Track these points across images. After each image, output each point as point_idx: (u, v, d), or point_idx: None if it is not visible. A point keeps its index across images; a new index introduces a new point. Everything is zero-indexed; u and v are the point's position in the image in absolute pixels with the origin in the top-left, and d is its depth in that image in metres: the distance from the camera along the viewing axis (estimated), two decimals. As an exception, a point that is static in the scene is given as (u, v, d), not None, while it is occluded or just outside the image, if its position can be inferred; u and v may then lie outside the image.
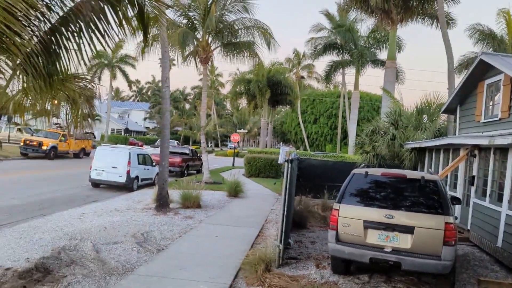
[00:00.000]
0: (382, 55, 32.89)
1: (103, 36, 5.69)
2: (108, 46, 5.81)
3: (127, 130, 76.47)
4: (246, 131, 52.20)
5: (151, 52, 21.05)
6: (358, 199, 6.93)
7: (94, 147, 38.72)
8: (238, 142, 38.28)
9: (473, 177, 10.99)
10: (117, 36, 5.90)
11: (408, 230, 6.38)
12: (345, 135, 46.88)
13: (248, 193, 17.28)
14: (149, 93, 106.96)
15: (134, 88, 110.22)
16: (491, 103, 11.88)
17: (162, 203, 12.61)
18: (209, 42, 21.05)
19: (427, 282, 7.41)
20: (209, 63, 21.84)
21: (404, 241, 6.41)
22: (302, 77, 49.19)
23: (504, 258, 8.83)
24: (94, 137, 36.88)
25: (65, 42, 5.66)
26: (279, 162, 14.63)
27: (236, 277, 7.14)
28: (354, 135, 33.86)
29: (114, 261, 7.51)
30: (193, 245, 9.00)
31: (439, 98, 17.47)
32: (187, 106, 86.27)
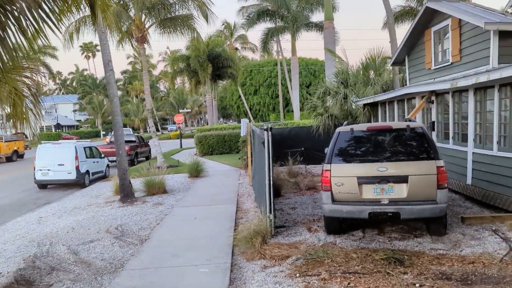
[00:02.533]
0: (315, 17, 33.04)
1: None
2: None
3: (58, 126, 72.01)
4: (189, 110, 51.03)
5: (75, 38, 19.52)
6: (348, 157, 6.82)
7: (27, 147, 36.02)
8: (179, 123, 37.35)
9: (433, 122, 11.36)
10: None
11: (402, 179, 6.38)
12: (287, 103, 47.30)
13: (209, 172, 16.86)
14: (74, 84, 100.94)
15: (57, 80, 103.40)
16: (440, 49, 12.22)
17: (127, 194, 11.91)
18: (143, 20, 19.87)
19: (417, 228, 7.57)
20: (146, 42, 20.69)
21: (400, 191, 6.43)
22: (237, 49, 48.50)
23: (475, 194, 9.25)
24: (26, 137, 34.19)
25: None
26: (241, 135, 14.36)
27: (234, 254, 6.86)
28: (298, 101, 34.20)
29: (99, 260, 6.93)
30: (175, 230, 8.55)
31: (382, 52, 17.83)
32: (119, 92, 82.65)
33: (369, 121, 16.39)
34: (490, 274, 5.35)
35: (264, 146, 7.71)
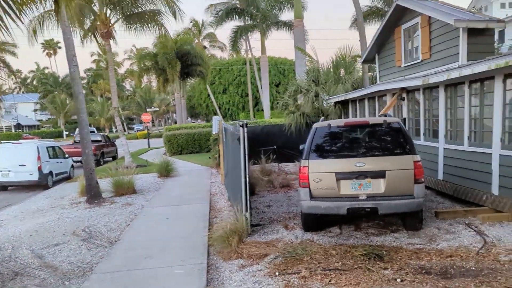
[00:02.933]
0: (284, 16, 33.07)
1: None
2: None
3: (18, 126, 69.27)
4: (157, 109, 50.03)
5: (38, 33, 18.69)
6: (326, 152, 6.73)
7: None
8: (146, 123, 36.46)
9: (404, 119, 11.48)
10: None
11: (380, 174, 6.35)
12: (256, 102, 47.22)
13: (180, 171, 16.51)
14: (34, 82, 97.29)
15: (16, 79, 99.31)
16: (410, 47, 12.39)
17: (94, 194, 11.44)
18: (108, 15, 19.24)
19: (393, 223, 7.58)
20: (112, 38, 20.04)
21: (377, 186, 6.39)
22: (205, 47, 47.94)
23: (446, 189, 9.39)
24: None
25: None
26: (213, 132, 14.11)
27: (209, 254, 6.64)
28: (268, 100, 34.15)
29: (66, 264, 6.55)
30: (146, 231, 8.23)
31: (352, 51, 17.99)
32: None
33: (340, 119, 16.48)
34: (468, 267, 5.37)
35: (239, 142, 7.53)
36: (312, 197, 6.60)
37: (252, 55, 38.55)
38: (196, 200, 11.04)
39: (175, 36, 33.00)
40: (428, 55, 11.24)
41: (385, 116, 7.26)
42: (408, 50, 12.47)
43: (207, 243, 7.11)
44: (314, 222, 7.18)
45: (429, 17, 11.02)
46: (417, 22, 11.66)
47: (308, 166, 6.60)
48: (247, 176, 7.47)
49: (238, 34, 33.75)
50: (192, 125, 27.46)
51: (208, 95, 48.34)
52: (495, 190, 7.70)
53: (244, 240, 6.98)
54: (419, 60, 11.70)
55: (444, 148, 9.46)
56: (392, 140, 6.57)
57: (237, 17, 33.88)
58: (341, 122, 7.11)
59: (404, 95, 11.37)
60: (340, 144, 6.83)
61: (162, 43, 25.15)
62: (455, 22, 9.35)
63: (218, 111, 47.23)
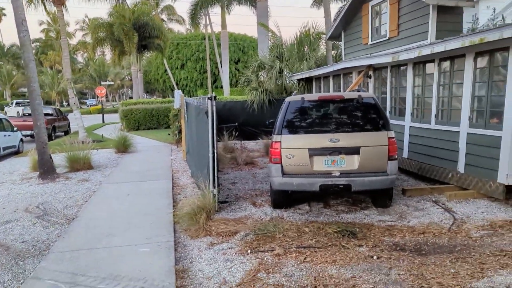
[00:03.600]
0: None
1: None
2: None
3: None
4: (112, 82, 47.93)
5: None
6: (299, 128, 6.48)
7: None
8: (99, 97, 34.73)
9: (370, 97, 11.44)
10: None
11: (354, 151, 6.20)
12: (215, 79, 46.37)
13: (138, 147, 15.85)
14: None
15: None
16: (377, 24, 12.31)
17: (47, 169, 10.69)
18: (59, -22, 17.88)
19: (362, 200, 7.53)
20: (63, 5, 18.71)
21: (351, 163, 6.25)
22: (163, 20, 46.24)
23: (411, 167, 9.49)
24: None
25: None
26: (175, 107, 13.55)
27: (176, 232, 6.30)
28: (227, 76, 33.54)
29: (19, 242, 6.00)
30: (106, 208, 7.74)
31: (316, 28, 17.76)
32: (31, 63, 75.53)
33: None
34: (442, 243, 5.36)
35: (207, 116, 7.14)
36: (284, 173, 6.37)
37: (212, 30, 37.58)
38: (157, 176, 10.59)
39: (132, 6, 31.41)
40: (396, 33, 11.20)
41: (358, 91, 7.09)
42: (375, 28, 12.39)
43: (173, 220, 6.76)
44: (284, 199, 6.98)
45: (398, -6, 10.93)
46: (386, -1, 11.55)
47: (280, 142, 6.34)
48: (216, 151, 7.13)
49: (198, 7, 32.61)
50: (150, 100, 26.53)
51: (165, 71, 46.89)
52: (461, 168, 7.80)
53: (212, 217, 6.69)
54: (387, 38, 11.65)
55: (410, 127, 9.50)
56: (367, 116, 6.42)
57: (197, -11, 32.74)
58: (314, 96, 6.86)
59: (371, 72, 11.31)
60: (313, 119, 6.60)
61: (119, 13, 23.83)
62: (426, -1, 9.28)
63: (175, 87, 46.00)
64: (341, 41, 14.87)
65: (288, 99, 6.78)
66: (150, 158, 13.70)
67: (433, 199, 7.45)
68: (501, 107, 6.88)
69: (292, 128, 6.45)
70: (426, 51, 7.99)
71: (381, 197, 6.88)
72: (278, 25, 26.54)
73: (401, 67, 9.85)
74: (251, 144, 15.87)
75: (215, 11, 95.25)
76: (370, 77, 11.39)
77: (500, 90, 6.94)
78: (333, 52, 18.02)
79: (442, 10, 9.64)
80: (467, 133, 7.62)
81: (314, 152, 6.25)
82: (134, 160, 13.43)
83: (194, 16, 33.60)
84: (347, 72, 12.68)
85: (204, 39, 44.24)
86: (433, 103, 8.63)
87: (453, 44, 7.23)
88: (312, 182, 6.21)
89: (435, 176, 8.58)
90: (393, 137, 6.25)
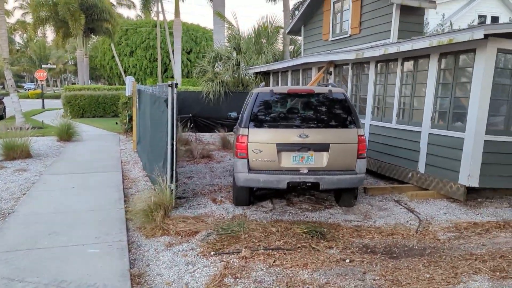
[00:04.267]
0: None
1: None
2: None
3: None
4: (54, 66, 45.03)
5: None
6: (267, 121, 6.12)
7: None
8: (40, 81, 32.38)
9: (330, 94, 11.33)
10: None
11: (324, 147, 5.95)
12: (166, 68, 45.00)
13: (83, 136, 14.82)
14: None
15: None
16: (339, 21, 12.21)
17: (-21, 157, 9.62)
18: None
19: (325, 198, 7.33)
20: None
21: (320, 160, 5.99)
22: (112, 4, 44.14)
23: (370, 165, 9.44)
24: None
25: None
26: (126, 94, 12.74)
27: (129, 230, 5.75)
28: (179, 65, 32.57)
29: None
30: (48, 202, 6.98)
31: (275, 22, 17.51)
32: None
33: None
34: (411, 246, 5.23)
35: (167, 105, 6.60)
36: (250, 169, 5.99)
37: (165, 18, 36.29)
38: (105, 168, 9.84)
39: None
40: (357, 30, 11.14)
41: (326, 85, 6.83)
42: (337, 24, 12.29)
43: (125, 217, 6.19)
44: (247, 196, 6.62)
45: (362, -9, 10.86)
46: (349, -4, 11.46)
47: (247, 135, 5.95)
48: (175, 143, 6.62)
49: (151, -7, 31.45)
50: (96, 86, 25.10)
51: (113, 57, 44.84)
52: (421, 168, 7.82)
53: (170, 215, 6.19)
54: (348, 35, 11.57)
55: (371, 125, 9.46)
56: (337, 112, 6.18)
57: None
58: (284, 89, 6.52)
59: (331, 69, 11.19)
60: (282, 113, 6.27)
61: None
62: (392, -3, 9.24)
63: (123, 74, 44.18)
64: (300, 35, 14.69)
65: (256, 90, 6.39)
66: (96, 147, 12.81)
67: (395, 199, 7.39)
68: (464, 108, 6.92)
69: (260, 121, 6.08)
70: (392, 49, 7.91)
71: (346, 196, 6.70)
72: (235, 16, 25.91)
73: (364, 65, 9.78)
74: (205, 136, 15.35)
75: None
76: (330, 74, 11.27)
77: (464, 92, 6.97)
78: (290, 47, 17.85)
79: (405, 10, 9.66)
80: (429, 133, 7.63)
81: (283, 147, 5.93)
82: (79, 149, 12.49)
83: (146, 1, 32.34)
84: (306, 67, 12.50)
85: (156, 26, 42.73)
86: (395, 102, 8.60)
87: (421, 43, 7.17)
88: (279, 179, 5.89)
89: (395, 175, 8.57)
90: (363, 135, 6.06)
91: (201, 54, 46.10)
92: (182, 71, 40.01)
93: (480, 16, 23.47)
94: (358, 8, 11.02)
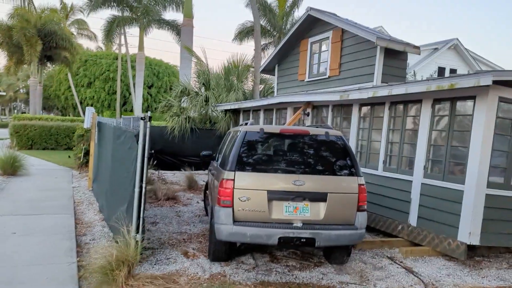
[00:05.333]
0: (168, 15, 30.90)
1: None
2: None
3: None
4: (3, 93, 42.30)
5: None
6: (257, 164, 5.30)
7: None
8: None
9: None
10: None
11: (321, 197, 5.18)
12: (125, 101, 43.64)
13: (31, 170, 13.33)
14: None
15: None
16: (316, 62, 11.83)
17: None
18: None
19: (312, 253, 6.50)
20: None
21: (316, 212, 5.19)
22: (72, 34, 42.74)
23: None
24: None
25: None
26: (85, 126, 11.57)
27: (83, 294, 4.63)
28: (141, 99, 31.57)
29: None
30: (-19, 252, 5.72)
31: (245, 60, 17.10)
32: None
33: (228, 128, 15.30)
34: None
35: (137, 141, 5.67)
36: (235, 220, 5.09)
37: (127, 51, 35.42)
38: (55, 209, 8.57)
39: (40, 11, 28.12)
40: (337, 72, 10.76)
41: (323, 126, 6.13)
42: (314, 65, 11.91)
43: (78, 275, 5.07)
44: (226, 251, 5.67)
45: (342, 32, 10.58)
46: (328, 37, 11.15)
47: (233, 180, 5.09)
48: (145, 185, 5.64)
49: (114, 25, 30.48)
50: (49, 117, 23.45)
51: (69, 87, 43.02)
52: (413, 220, 7.20)
53: (134, 273, 5.12)
54: (326, 76, 11.17)
55: (353, 171, 8.83)
56: (335, 157, 5.47)
57: (115, 5, 30.73)
58: (275, 128, 5.75)
59: (309, 110, 10.65)
60: (274, 155, 5.49)
61: (22, 16, 20.78)
62: (377, 40, 8.93)
63: (79, 105, 42.37)
64: (274, 74, 14.24)
65: (244, 128, 5.58)
66: (45, 184, 11.41)
67: (388, 255, 6.67)
68: (462, 158, 6.43)
69: (248, 164, 5.25)
70: (383, 92, 7.43)
71: (339, 253, 5.90)
72: (204, 51, 25.34)
73: (345, 107, 9.29)
74: (167, 174, 14.26)
75: (131, 32, 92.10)
76: (308, 115, 10.72)
77: (462, 141, 6.51)
78: (260, 86, 17.38)
79: (389, 53, 9.38)
80: (422, 183, 7.08)
81: (274, 195, 5.10)
82: (26, 185, 11.05)
83: (109, 32, 31.39)
84: (281, 107, 11.94)
85: (117, 59, 41.71)
86: (382, 148, 8.07)
87: (417, 87, 6.72)
88: (270, 234, 5.01)
89: (381, 226, 7.90)
90: (363, 184, 5.36)
91: (163, 89, 45.26)
92: (143, 105, 38.79)
93: (440, 68, 24.27)
94: (338, 49, 10.69)
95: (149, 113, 5.65)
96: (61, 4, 42.18)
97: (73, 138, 16.12)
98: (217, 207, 5.20)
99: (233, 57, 17.15)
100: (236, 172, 5.13)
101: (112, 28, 30.99)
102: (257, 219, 5.09)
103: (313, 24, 11.77)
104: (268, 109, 12.79)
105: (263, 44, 29.28)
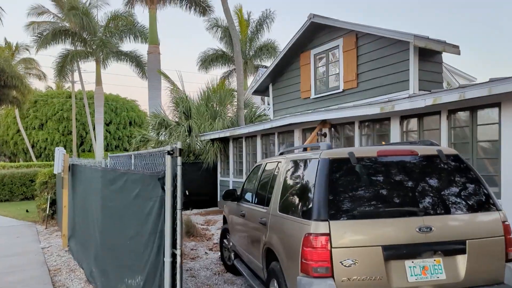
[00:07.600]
0: (127, 46, 29.01)
1: None
2: None
3: None
4: None
5: None
6: (358, 207, 3.52)
7: None
8: None
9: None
10: None
11: (459, 248, 3.47)
12: (82, 141, 40.65)
13: (-17, 229, 10.84)
14: None
15: None
16: (324, 76, 10.35)
17: None
18: None
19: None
20: None
21: (453, 270, 3.46)
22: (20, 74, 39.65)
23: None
24: None
25: None
26: (56, 171, 9.37)
27: None
28: (102, 137, 29.11)
29: None
30: None
31: (226, 84, 15.49)
32: None
33: (216, 160, 13.45)
34: None
35: (162, 187, 3.77)
36: (337, 295, 3.27)
37: (83, 86, 33.01)
38: (25, 283, 6.36)
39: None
40: (354, 84, 9.31)
41: (431, 144, 4.38)
42: (321, 79, 10.42)
43: None
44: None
45: (357, 38, 9.19)
46: (338, 45, 9.75)
47: (330, 234, 3.29)
48: (180, 252, 3.72)
49: (68, 60, 28.10)
50: (2, 164, 20.58)
51: (18, 131, 39.60)
52: None
53: None
54: (340, 90, 9.70)
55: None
56: (459, 185, 3.82)
57: (67, 40, 28.47)
58: (370, 151, 3.94)
59: (325, 130, 9.07)
60: (377, 191, 3.72)
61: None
62: (415, 39, 7.54)
63: (30, 150, 38.97)
64: (268, 95, 12.64)
65: (324, 155, 3.78)
66: (6, 247, 9.03)
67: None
68: None
69: (344, 209, 3.47)
70: (450, 97, 5.95)
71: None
72: (181, 76, 23.26)
73: (378, 123, 7.77)
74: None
75: (84, 68, 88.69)
76: (325, 135, 9.13)
77: None
78: (245, 110, 15.72)
79: (423, 56, 8.02)
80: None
81: (393, 252, 3.35)
82: (-22, 253, 8.63)
83: (62, 68, 29.00)
84: (285, 130, 10.28)
85: (70, 97, 38.98)
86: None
87: (502, 87, 5.29)
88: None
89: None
90: (507, 221, 3.70)
91: (122, 125, 42.60)
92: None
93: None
94: (353, 58, 9.28)
95: (179, 144, 3.79)
96: (5, 44, 39.36)
97: (34, 186, 13.70)
98: (306, 278, 3.35)
99: (211, 82, 15.56)
100: (330, 221, 3.34)
101: (66, 63, 28.61)
102: (370, 291, 3.29)
103: (314, 34, 10.37)
104: (266, 134, 11.10)
105: (227, 71, 27.91)
